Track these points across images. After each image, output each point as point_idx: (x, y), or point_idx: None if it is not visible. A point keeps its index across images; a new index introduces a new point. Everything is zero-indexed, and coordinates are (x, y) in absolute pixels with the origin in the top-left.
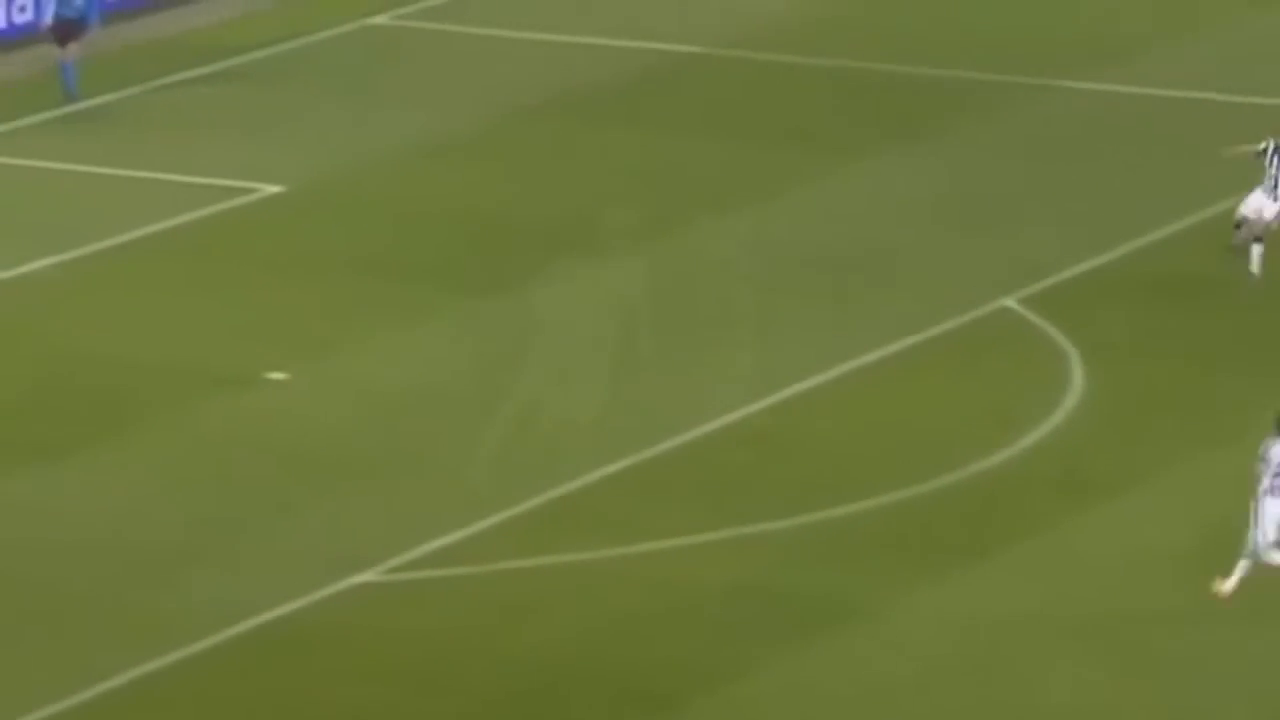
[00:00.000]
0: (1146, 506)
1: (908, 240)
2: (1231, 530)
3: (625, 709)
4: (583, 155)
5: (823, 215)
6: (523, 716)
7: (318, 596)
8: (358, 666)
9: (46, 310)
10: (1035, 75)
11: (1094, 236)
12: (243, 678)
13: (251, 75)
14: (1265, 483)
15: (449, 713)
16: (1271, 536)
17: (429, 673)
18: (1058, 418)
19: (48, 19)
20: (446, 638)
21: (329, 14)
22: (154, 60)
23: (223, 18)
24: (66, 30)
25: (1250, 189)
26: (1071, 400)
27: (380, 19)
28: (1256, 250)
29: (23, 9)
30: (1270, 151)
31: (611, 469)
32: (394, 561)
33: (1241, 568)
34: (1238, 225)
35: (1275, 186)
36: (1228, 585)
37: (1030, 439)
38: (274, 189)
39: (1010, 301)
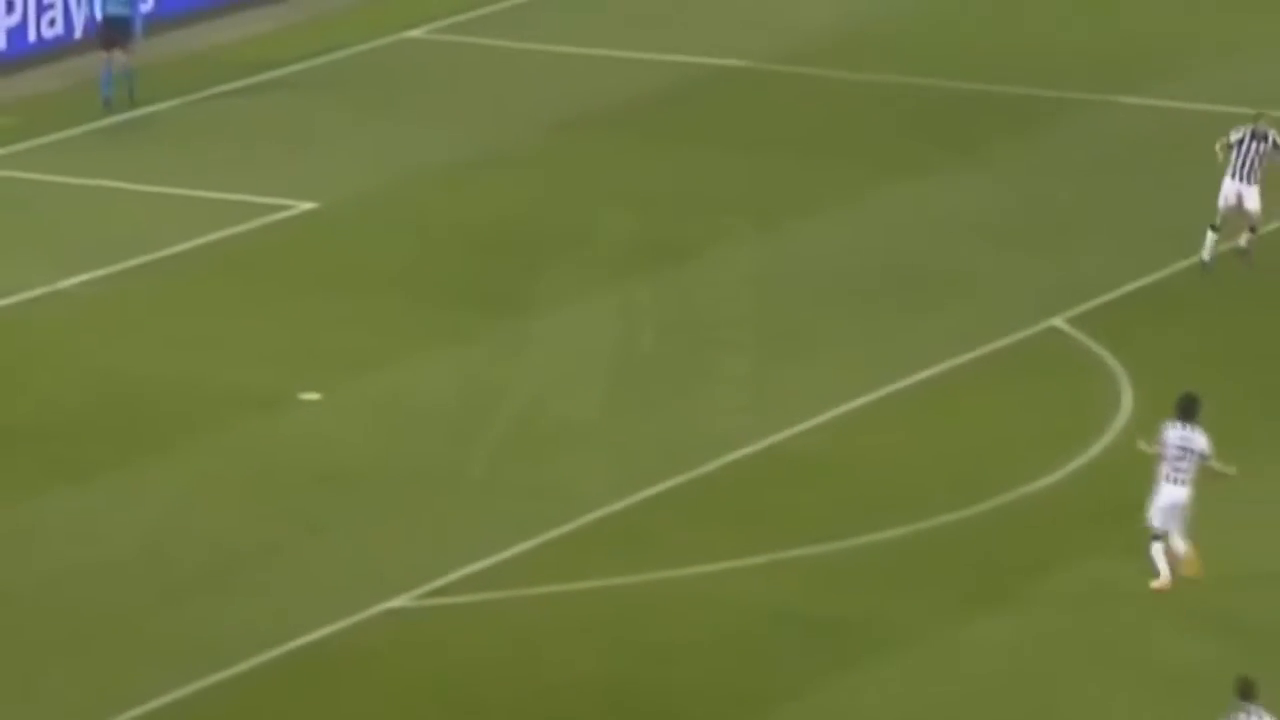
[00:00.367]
0: (1197, 528)
1: (955, 258)
2: None
3: None
4: (621, 171)
5: (868, 233)
6: None
7: (350, 622)
8: (390, 693)
9: (78, 327)
10: (1088, 91)
11: (1145, 255)
12: (275, 702)
13: (286, 90)
14: (1164, 468)
15: None
16: (1156, 523)
17: (462, 700)
18: (1107, 439)
19: (97, 16)
20: (480, 664)
21: (363, 28)
22: (187, 75)
23: (257, 32)
24: (114, 32)
25: None
26: (1121, 421)
27: (416, 33)
28: (1211, 238)
29: (52, 23)
30: (1246, 139)
31: (649, 491)
32: (427, 586)
33: (1157, 550)
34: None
35: (1248, 171)
36: (1162, 579)
37: (1079, 461)
38: (308, 205)
39: (1059, 321)
